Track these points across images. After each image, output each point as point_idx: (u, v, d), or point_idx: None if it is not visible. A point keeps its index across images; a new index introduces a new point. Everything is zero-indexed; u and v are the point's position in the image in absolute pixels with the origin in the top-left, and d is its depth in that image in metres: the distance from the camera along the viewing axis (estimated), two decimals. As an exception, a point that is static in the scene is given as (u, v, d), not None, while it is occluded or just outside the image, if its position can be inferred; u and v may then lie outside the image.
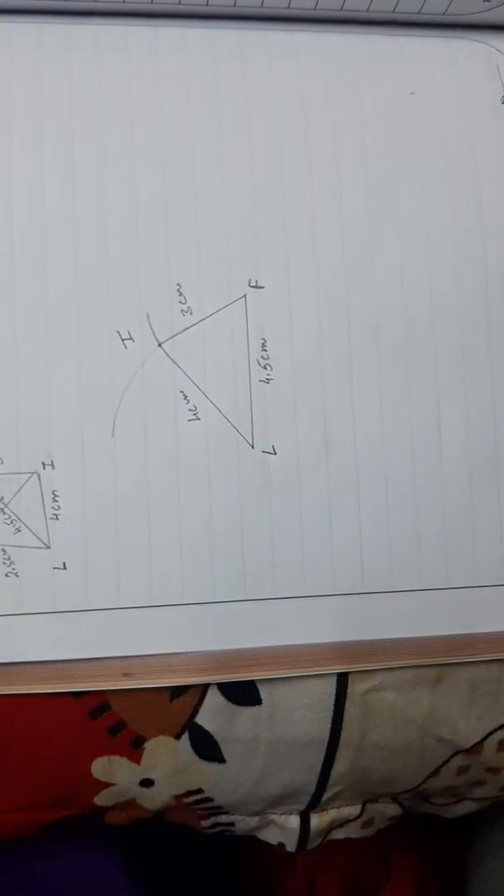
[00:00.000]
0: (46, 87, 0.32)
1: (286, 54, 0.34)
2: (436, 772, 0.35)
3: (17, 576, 0.30)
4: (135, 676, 0.31)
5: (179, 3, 0.33)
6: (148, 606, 0.31)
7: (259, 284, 0.32)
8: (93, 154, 0.32)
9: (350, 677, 0.32)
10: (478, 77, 0.35)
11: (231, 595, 0.31)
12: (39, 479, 0.30)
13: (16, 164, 0.31)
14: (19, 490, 0.30)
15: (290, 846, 0.36)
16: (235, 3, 0.33)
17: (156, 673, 0.31)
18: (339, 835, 0.37)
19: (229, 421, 0.32)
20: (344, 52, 0.34)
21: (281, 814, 0.35)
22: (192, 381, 0.31)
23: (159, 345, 0.31)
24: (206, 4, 0.33)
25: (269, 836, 0.36)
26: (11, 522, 0.30)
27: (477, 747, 0.34)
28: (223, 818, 0.35)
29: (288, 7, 0.34)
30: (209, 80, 0.33)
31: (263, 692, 0.32)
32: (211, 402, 0.32)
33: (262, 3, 0.33)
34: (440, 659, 0.32)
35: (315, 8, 0.34)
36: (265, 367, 0.32)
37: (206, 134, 0.33)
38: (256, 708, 0.32)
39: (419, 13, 0.34)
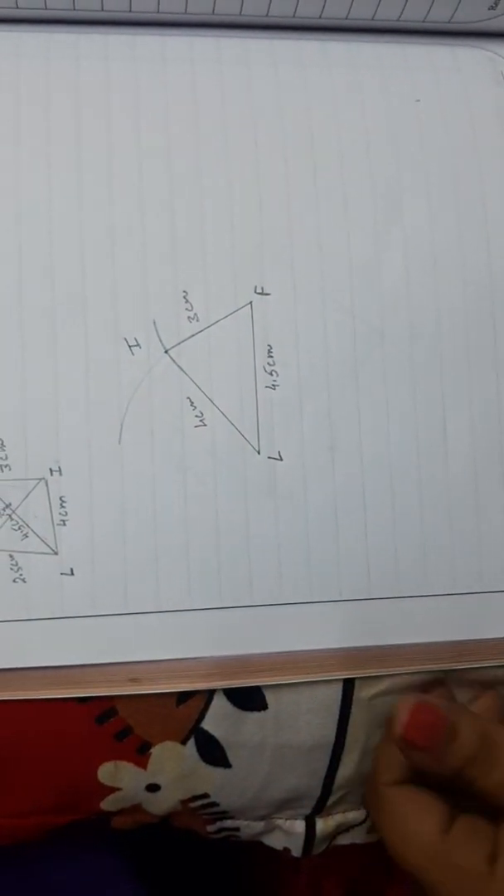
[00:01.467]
0: (54, 95, 0.32)
1: (292, 62, 0.34)
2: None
3: (25, 581, 0.30)
4: (142, 682, 0.31)
5: (185, 13, 0.33)
6: (155, 612, 0.31)
7: (265, 291, 0.32)
8: (100, 162, 0.32)
9: (356, 683, 0.32)
10: (483, 84, 0.35)
11: (237, 601, 0.32)
12: (47, 485, 0.31)
13: (24, 173, 0.32)
14: (27, 496, 0.31)
15: (296, 851, 0.36)
16: (241, 11, 0.33)
17: (162, 679, 0.31)
18: (344, 840, 0.37)
19: (235, 427, 0.32)
20: (349, 61, 0.34)
21: (286, 819, 0.35)
22: (199, 388, 0.32)
23: (166, 351, 0.32)
24: (212, 13, 0.33)
25: (275, 841, 0.36)
26: (19, 528, 0.30)
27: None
28: (228, 823, 0.35)
29: (293, 16, 0.34)
30: (215, 89, 0.33)
31: (269, 698, 0.32)
32: (217, 408, 0.32)
33: (268, 12, 0.34)
34: (447, 665, 0.33)
35: (320, 17, 0.34)
36: (271, 374, 0.32)
37: (213, 142, 0.33)
38: (262, 713, 0.32)
39: (424, 21, 0.34)
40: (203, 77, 0.33)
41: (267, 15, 0.34)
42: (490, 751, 0.29)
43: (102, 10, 0.33)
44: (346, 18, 0.34)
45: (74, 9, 0.33)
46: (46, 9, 0.32)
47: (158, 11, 0.33)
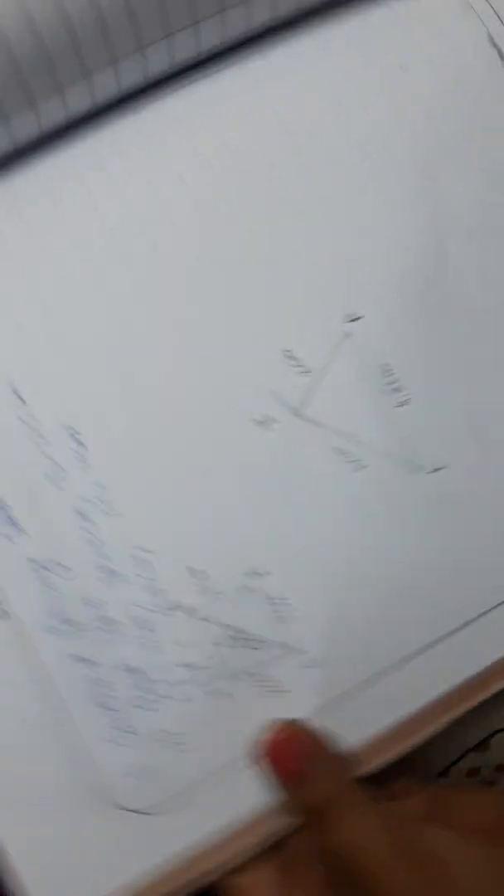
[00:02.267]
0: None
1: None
2: (444, 773, 0.35)
3: (284, 692, 0.29)
4: None
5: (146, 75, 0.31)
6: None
7: (357, 316, 0.31)
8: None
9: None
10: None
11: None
12: (253, 591, 0.30)
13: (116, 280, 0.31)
14: (240, 607, 0.30)
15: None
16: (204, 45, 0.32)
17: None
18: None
19: (387, 455, 0.31)
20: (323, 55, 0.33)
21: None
22: (341, 434, 0.31)
23: (296, 414, 0.31)
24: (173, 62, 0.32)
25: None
26: (250, 646, 0.29)
27: (484, 743, 0.34)
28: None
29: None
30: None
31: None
32: (365, 445, 0.31)
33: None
34: None
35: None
36: (397, 391, 0.31)
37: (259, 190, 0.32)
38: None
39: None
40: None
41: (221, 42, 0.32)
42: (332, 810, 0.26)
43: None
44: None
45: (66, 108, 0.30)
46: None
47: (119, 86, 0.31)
